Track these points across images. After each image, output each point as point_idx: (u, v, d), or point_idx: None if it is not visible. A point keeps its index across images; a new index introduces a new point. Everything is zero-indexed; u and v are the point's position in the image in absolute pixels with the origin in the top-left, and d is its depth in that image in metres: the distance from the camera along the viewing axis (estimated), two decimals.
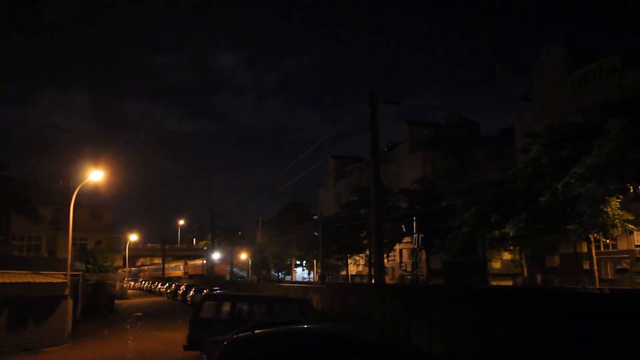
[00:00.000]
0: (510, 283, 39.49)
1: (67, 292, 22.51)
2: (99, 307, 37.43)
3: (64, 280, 22.86)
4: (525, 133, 31.59)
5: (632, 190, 25.64)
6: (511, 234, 33.21)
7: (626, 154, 22.56)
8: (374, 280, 20.55)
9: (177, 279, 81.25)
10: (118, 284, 55.13)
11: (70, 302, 23.51)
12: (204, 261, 77.77)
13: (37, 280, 21.56)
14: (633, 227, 27.40)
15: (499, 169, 34.85)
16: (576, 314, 9.31)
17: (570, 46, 40.73)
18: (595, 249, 30.02)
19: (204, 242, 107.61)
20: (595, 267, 28.88)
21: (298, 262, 64.99)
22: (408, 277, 46.07)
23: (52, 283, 22.05)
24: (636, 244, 31.60)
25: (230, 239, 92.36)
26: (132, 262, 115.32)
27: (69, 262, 24.17)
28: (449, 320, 12.73)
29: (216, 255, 55.17)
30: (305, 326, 8.34)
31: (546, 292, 15.53)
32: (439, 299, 14.10)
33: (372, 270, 32.05)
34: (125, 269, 78.87)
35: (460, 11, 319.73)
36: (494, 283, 39.43)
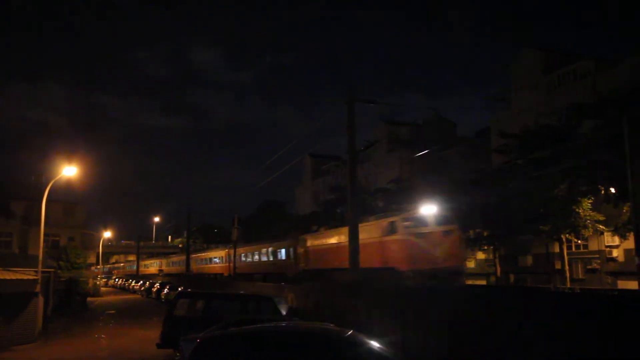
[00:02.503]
0: (484, 282, 39.93)
1: (37, 289, 22.16)
2: (71, 305, 36.95)
3: (35, 277, 22.49)
4: (500, 134, 31.95)
5: (602, 191, 26.09)
6: (485, 234, 33.60)
7: (598, 155, 22.98)
8: (350, 279, 20.59)
9: (154, 276, 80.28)
10: (91, 282, 54.48)
11: (41, 300, 23.14)
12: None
13: (7, 277, 21.20)
14: (604, 227, 27.88)
15: (474, 169, 35.19)
16: (540, 312, 9.53)
17: (546, 48, 41.25)
18: (567, 249, 30.52)
19: (180, 239, 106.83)
20: (567, 267, 29.37)
21: None
22: None
23: (22, 280, 21.70)
24: (606, 244, 32.18)
25: (206, 237, 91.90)
26: (106, 259, 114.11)
27: (40, 258, 23.78)
28: (422, 318, 12.84)
29: None
30: (277, 324, 8.34)
31: (515, 291, 15.72)
32: (412, 297, 14.22)
33: None
34: (99, 266, 77.88)
35: (440, 11, 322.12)
36: (468, 282, 39.82)
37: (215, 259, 56.09)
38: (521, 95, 40.44)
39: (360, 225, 22.15)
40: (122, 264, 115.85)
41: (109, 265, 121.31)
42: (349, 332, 7.38)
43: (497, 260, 35.86)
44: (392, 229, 23.83)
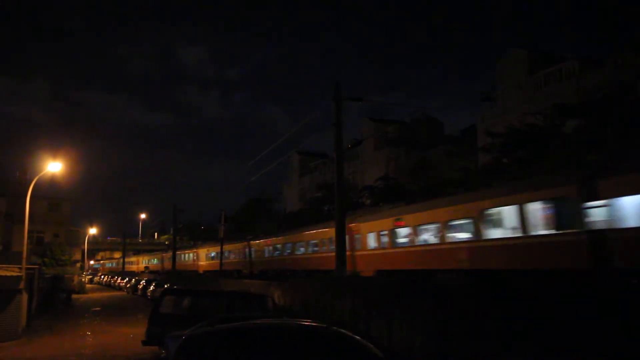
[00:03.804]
0: None
1: (21, 286, 21.98)
2: (55, 302, 36.67)
3: (19, 274, 22.32)
4: (486, 132, 32.16)
5: None
6: None
7: (582, 155, 23.21)
8: (336, 277, 20.70)
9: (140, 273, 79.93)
10: (76, 278, 54.10)
11: (25, 296, 22.96)
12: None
13: None
14: None
15: (460, 167, 35.42)
16: (525, 312, 9.63)
17: (531, 48, 41.67)
18: None
19: (166, 236, 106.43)
20: None
21: None
22: None
23: (6, 276, 21.50)
24: None
25: (192, 234, 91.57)
26: (92, 255, 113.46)
27: (25, 255, 23.63)
28: (408, 316, 12.93)
29: None
30: (263, 321, 8.38)
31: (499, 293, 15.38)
32: (398, 296, 14.30)
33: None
34: (90, 263, 77.39)
35: (428, 10, 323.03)
36: None
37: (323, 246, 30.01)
38: (507, 95, 40.78)
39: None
40: (114, 260, 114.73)
41: (106, 261, 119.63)
42: (334, 329, 7.44)
43: None
44: None
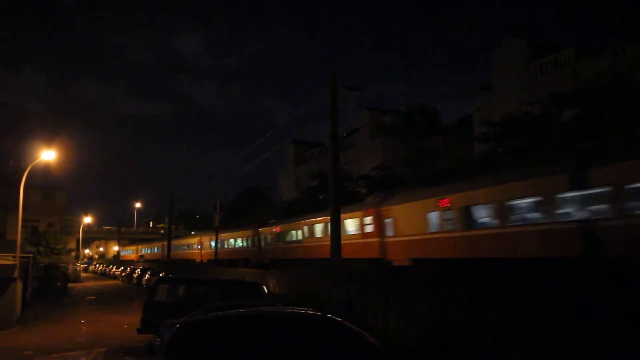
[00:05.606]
0: None
1: (16, 274, 21.92)
2: (50, 290, 36.62)
3: (13, 263, 22.25)
4: (482, 121, 32.07)
5: None
6: None
7: (577, 144, 23.19)
8: (330, 266, 20.65)
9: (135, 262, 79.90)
10: (71, 267, 54.06)
11: (19, 285, 22.91)
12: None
13: None
14: None
15: (457, 156, 35.37)
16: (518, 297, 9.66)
17: (529, 37, 41.47)
18: None
19: (161, 225, 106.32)
20: None
21: None
22: None
23: (0, 265, 21.44)
24: None
25: (188, 223, 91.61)
26: (87, 244, 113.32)
27: (19, 243, 23.55)
28: (403, 305, 12.92)
29: None
30: (258, 309, 8.36)
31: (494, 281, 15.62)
32: (394, 286, 14.30)
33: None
34: (90, 253, 77.24)
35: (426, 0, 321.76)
36: None
37: None
38: (504, 84, 40.65)
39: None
40: (102, 249, 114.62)
41: (103, 251, 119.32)
42: (329, 317, 7.40)
43: None
44: None
